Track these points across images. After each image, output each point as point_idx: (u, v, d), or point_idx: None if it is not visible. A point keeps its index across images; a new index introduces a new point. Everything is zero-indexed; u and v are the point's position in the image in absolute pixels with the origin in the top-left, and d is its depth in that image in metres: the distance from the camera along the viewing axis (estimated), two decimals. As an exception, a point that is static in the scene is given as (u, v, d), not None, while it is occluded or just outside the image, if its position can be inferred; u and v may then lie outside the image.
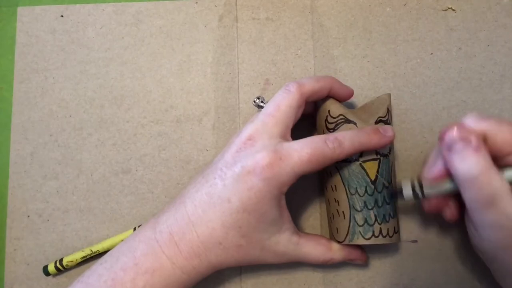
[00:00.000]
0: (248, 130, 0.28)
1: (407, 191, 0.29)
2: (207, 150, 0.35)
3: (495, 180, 0.25)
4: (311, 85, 0.29)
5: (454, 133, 0.26)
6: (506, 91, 0.35)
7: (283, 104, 0.28)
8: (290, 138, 0.29)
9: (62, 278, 0.34)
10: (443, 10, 0.36)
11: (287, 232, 0.29)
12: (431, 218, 0.33)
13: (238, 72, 0.36)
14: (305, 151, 0.27)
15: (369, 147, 0.29)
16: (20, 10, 0.37)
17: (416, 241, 0.33)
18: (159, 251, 0.27)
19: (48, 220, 0.35)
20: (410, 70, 0.35)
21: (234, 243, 0.28)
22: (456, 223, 0.31)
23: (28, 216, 0.35)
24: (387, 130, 0.29)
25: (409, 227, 0.33)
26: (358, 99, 0.35)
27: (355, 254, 0.31)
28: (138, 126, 0.36)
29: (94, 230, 0.34)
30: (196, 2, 0.37)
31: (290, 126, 0.29)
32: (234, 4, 0.37)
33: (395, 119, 0.35)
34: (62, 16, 0.37)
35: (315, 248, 0.30)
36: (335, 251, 0.30)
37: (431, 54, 0.36)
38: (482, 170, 0.25)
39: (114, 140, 0.36)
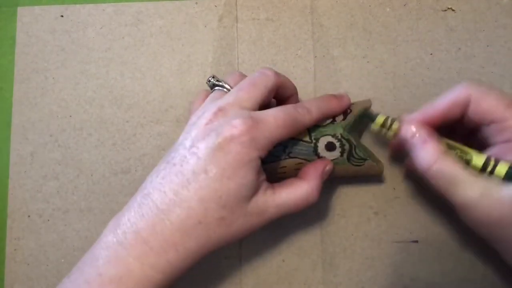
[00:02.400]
0: (218, 103, 0.28)
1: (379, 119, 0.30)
2: (207, 150, 0.35)
3: (448, 167, 0.26)
4: (284, 77, 0.30)
5: (403, 132, 0.28)
6: (506, 91, 0.35)
7: (258, 82, 0.28)
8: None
9: (62, 278, 0.34)
10: (443, 11, 0.36)
11: (262, 187, 0.27)
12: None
13: (238, 72, 0.36)
14: (279, 116, 0.27)
15: (332, 112, 0.30)
16: (20, 10, 0.37)
17: (416, 241, 0.33)
18: (125, 254, 0.25)
19: (48, 220, 0.35)
20: (410, 70, 0.35)
21: (215, 217, 0.26)
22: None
23: (29, 216, 0.35)
24: (342, 94, 0.31)
25: (409, 227, 0.34)
26: (358, 99, 0.35)
27: (321, 166, 0.30)
28: (137, 126, 0.36)
29: (94, 230, 0.34)
30: (196, 2, 0.37)
31: (260, 104, 0.28)
32: (234, 4, 0.37)
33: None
34: (62, 16, 0.37)
35: (293, 191, 0.28)
36: (310, 182, 0.29)
37: (431, 54, 0.36)
38: (431, 160, 0.26)
39: (114, 140, 0.36)
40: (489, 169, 0.26)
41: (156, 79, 0.36)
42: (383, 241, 0.34)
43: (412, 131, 0.28)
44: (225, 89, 0.30)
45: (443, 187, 0.26)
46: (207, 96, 0.30)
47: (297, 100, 0.33)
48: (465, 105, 0.28)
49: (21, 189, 0.35)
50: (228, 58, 0.36)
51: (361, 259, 0.33)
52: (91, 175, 0.35)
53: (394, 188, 0.34)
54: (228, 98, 0.28)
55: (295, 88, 0.32)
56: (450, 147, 0.28)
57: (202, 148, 0.26)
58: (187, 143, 0.27)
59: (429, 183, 0.27)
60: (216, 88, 0.30)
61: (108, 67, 0.36)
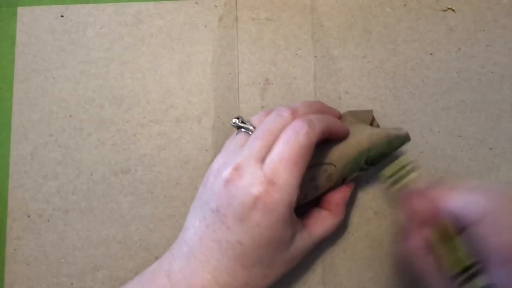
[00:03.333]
0: (236, 159, 0.27)
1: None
2: (206, 150, 0.35)
3: (423, 264, 0.27)
4: (304, 111, 0.29)
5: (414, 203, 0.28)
6: (506, 91, 0.35)
7: (274, 128, 0.27)
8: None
9: (62, 278, 0.34)
10: (443, 11, 0.36)
11: (298, 233, 0.28)
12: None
13: (238, 72, 0.36)
14: (286, 158, 0.26)
15: (336, 131, 0.29)
16: (20, 10, 0.37)
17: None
18: None
19: (48, 220, 0.35)
20: (410, 70, 0.35)
21: (260, 276, 0.27)
22: None
23: (29, 216, 0.35)
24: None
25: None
26: (358, 99, 0.35)
27: (348, 195, 0.31)
28: (137, 126, 0.36)
29: (95, 230, 0.34)
30: (196, 3, 0.37)
31: None
32: (234, 4, 0.37)
33: (395, 119, 0.35)
34: (62, 16, 0.37)
35: (325, 227, 0.30)
36: (340, 215, 0.31)
37: (431, 54, 0.36)
38: (413, 249, 0.27)
39: (114, 140, 0.36)
40: (466, 275, 0.26)
41: (156, 79, 0.36)
42: (383, 241, 0.34)
43: (416, 208, 0.27)
44: (249, 132, 0.29)
45: (415, 267, 0.27)
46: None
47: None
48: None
49: (21, 189, 0.35)
50: (228, 58, 0.36)
51: (361, 259, 0.34)
52: (91, 175, 0.35)
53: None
54: (245, 151, 0.27)
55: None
56: (443, 238, 0.27)
57: (230, 217, 0.26)
58: (213, 205, 0.27)
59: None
60: (241, 130, 0.30)
61: (108, 67, 0.36)
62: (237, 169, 0.26)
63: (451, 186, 0.27)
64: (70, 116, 0.36)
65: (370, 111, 0.33)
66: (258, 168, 0.26)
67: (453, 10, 0.36)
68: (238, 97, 0.36)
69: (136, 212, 0.35)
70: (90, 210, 0.35)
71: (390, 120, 0.35)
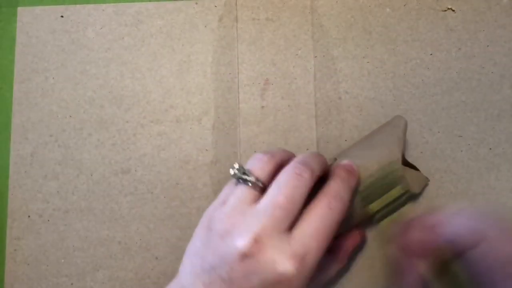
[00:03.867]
0: (254, 229, 0.24)
1: None
2: (206, 150, 0.35)
3: None
4: (320, 168, 0.27)
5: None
6: (505, 92, 0.35)
7: (297, 193, 0.25)
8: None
9: (62, 278, 0.34)
10: (443, 11, 0.36)
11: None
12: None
13: (238, 72, 0.36)
14: (319, 234, 0.24)
15: (354, 188, 0.28)
16: (20, 10, 0.37)
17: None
18: None
19: (48, 220, 0.35)
20: (410, 70, 0.35)
21: None
22: None
23: (29, 216, 0.35)
24: (348, 167, 0.29)
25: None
26: (358, 99, 0.35)
27: (356, 243, 0.31)
28: (137, 126, 0.36)
29: (95, 230, 0.34)
30: (196, 3, 0.37)
31: (297, 216, 0.25)
32: (234, 4, 0.37)
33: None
34: (62, 16, 0.37)
35: (329, 272, 0.30)
36: (343, 261, 0.30)
37: (431, 54, 0.36)
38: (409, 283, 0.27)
39: (114, 140, 0.36)
40: None
41: (156, 79, 0.36)
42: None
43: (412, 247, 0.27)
44: (253, 186, 0.26)
45: None
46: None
47: None
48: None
49: (21, 189, 0.35)
50: (228, 58, 0.36)
51: (361, 259, 0.33)
52: (91, 175, 0.35)
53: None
54: (264, 220, 0.24)
55: (326, 165, 0.29)
56: (442, 268, 0.27)
57: None
58: (224, 274, 0.23)
59: None
60: (241, 182, 0.26)
61: (108, 67, 0.36)
62: (258, 241, 0.23)
63: (445, 213, 0.27)
64: (70, 116, 0.36)
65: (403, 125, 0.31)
66: (285, 242, 0.24)
67: (453, 10, 0.36)
68: (238, 97, 0.36)
69: (136, 212, 0.35)
70: (90, 210, 0.35)
71: (390, 120, 0.35)
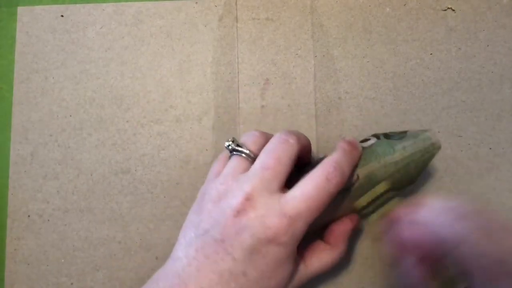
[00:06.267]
0: (244, 187, 0.25)
1: None
2: (206, 150, 0.35)
3: None
4: (305, 140, 0.29)
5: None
6: (506, 91, 0.35)
7: (283, 156, 0.26)
8: (285, 188, 0.27)
9: (62, 278, 0.34)
10: (443, 10, 0.36)
11: (297, 266, 0.28)
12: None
13: (238, 72, 0.36)
14: (311, 200, 0.25)
15: (355, 163, 0.29)
16: (20, 10, 0.37)
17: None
18: None
19: (48, 220, 0.35)
20: (410, 70, 0.35)
21: None
22: None
23: (29, 216, 0.35)
24: (353, 142, 0.29)
25: (409, 227, 0.33)
26: (358, 99, 0.35)
27: (350, 228, 0.30)
28: (137, 126, 0.36)
29: (94, 230, 0.34)
30: (196, 2, 0.37)
31: (286, 177, 0.27)
32: (234, 4, 0.37)
33: (395, 119, 0.35)
34: (62, 16, 0.37)
35: (323, 260, 0.29)
36: (339, 249, 0.30)
37: (431, 54, 0.36)
38: (412, 280, 0.26)
39: (113, 140, 0.36)
40: None
41: (156, 79, 0.36)
42: (383, 241, 0.33)
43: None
44: (243, 155, 0.28)
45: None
46: (227, 159, 0.29)
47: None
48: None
49: (21, 189, 0.35)
50: (228, 58, 0.36)
51: (361, 259, 0.34)
52: (91, 175, 0.35)
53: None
54: (254, 180, 0.26)
55: (310, 144, 0.31)
56: (437, 266, 0.26)
57: (237, 248, 0.25)
58: (216, 234, 0.25)
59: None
60: (235, 153, 0.28)
61: (108, 67, 0.36)
62: (249, 199, 0.25)
63: (425, 212, 0.26)
64: (70, 116, 0.36)
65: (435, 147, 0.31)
66: (275, 201, 0.25)
67: (453, 10, 0.36)
68: (238, 97, 0.36)
69: (136, 212, 0.35)
70: (90, 210, 0.35)
71: (390, 120, 0.35)
